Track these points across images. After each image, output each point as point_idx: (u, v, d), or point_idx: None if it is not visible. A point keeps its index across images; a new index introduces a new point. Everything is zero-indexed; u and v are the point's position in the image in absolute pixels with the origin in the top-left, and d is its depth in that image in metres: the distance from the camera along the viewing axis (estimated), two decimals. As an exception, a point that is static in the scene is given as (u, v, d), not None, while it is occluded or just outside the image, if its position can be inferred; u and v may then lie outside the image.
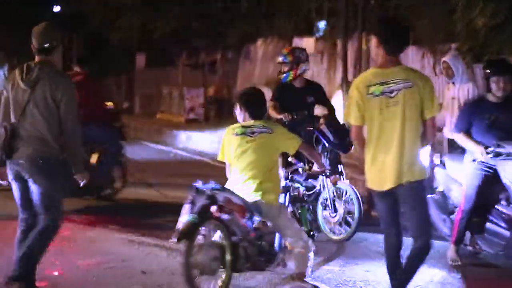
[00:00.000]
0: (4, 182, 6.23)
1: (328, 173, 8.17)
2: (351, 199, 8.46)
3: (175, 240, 5.87)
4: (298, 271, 6.42)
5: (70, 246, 7.98)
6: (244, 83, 21.35)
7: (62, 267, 7.10)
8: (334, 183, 8.51)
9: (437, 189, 8.17)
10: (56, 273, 6.95)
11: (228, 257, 6.12)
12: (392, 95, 5.51)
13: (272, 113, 8.69)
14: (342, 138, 8.49)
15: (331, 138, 8.48)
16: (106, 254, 7.69)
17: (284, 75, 8.86)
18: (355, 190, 8.50)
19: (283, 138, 6.63)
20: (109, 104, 10.64)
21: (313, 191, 8.53)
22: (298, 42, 19.64)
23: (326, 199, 8.55)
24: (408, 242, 5.80)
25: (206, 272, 6.04)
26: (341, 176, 8.71)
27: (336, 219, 8.52)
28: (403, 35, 5.78)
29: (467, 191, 7.51)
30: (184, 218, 5.94)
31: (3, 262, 6.71)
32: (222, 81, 24.28)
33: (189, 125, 22.49)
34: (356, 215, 8.36)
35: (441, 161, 8.23)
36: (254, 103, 6.65)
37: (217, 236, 6.21)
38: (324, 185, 8.54)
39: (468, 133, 7.45)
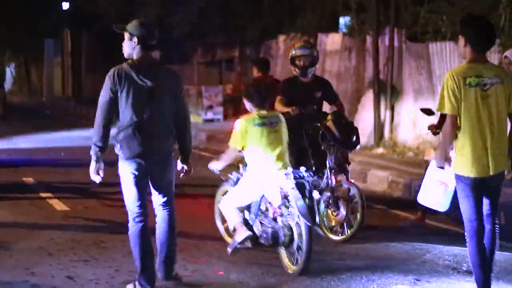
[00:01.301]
0: (98, 179, 6.30)
1: (333, 171, 8.36)
2: (355, 200, 8.28)
3: None
4: None
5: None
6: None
7: None
8: (338, 182, 8.40)
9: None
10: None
11: None
12: (485, 88, 5.86)
13: (279, 107, 8.61)
14: (348, 136, 8.44)
15: (337, 135, 8.36)
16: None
17: (310, 69, 8.84)
18: (360, 190, 8.31)
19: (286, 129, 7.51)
20: None
21: (319, 188, 8.34)
22: (323, 38, 18.75)
23: (330, 197, 8.39)
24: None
25: None
26: (347, 175, 8.58)
27: (338, 218, 8.39)
28: (491, 33, 6.07)
29: None
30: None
31: None
32: (240, 78, 23.36)
33: (208, 125, 21.66)
34: (359, 216, 8.18)
35: None
36: (257, 93, 7.29)
37: None
38: (328, 183, 8.41)
39: None
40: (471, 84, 5.83)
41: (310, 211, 6.94)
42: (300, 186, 7.06)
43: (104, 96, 6.20)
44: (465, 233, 6.04)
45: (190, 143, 6.58)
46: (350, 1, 17.24)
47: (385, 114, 15.91)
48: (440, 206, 6.57)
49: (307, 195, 7.04)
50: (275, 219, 7.28)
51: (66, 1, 35.94)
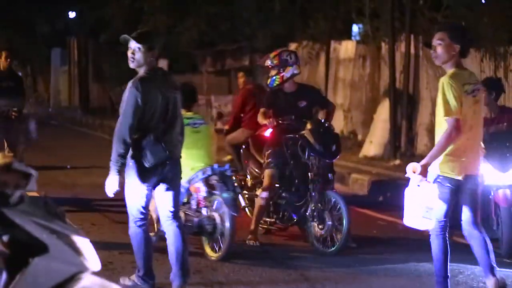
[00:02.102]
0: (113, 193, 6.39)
1: (315, 183, 8.24)
2: (340, 210, 8.08)
3: None
4: None
5: None
6: (275, 89, 20.00)
7: None
8: (321, 194, 8.22)
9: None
10: None
11: None
12: (474, 93, 6.11)
13: (260, 119, 8.55)
14: (328, 145, 8.23)
15: (315, 145, 8.17)
16: None
17: (271, 79, 8.67)
18: (344, 200, 8.14)
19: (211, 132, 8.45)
20: None
21: (302, 201, 8.36)
22: (336, 45, 18.28)
23: (314, 210, 8.24)
24: None
25: None
26: (330, 186, 8.45)
27: (323, 231, 8.20)
28: (471, 39, 6.49)
29: None
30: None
31: None
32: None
33: (218, 135, 21.12)
34: (345, 227, 7.99)
35: None
36: (185, 96, 7.34)
37: None
38: (311, 196, 8.30)
39: None
40: (467, 91, 6.02)
41: (233, 202, 7.77)
42: (224, 180, 7.82)
43: (131, 106, 6.28)
44: (434, 231, 6.17)
45: None
46: (364, 8, 16.78)
47: (401, 124, 15.40)
48: (427, 225, 6.27)
49: (231, 188, 7.82)
50: (199, 210, 7.97)
51: (73, 11, 35.55)
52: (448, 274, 6.27)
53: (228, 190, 7.78)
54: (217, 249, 7.92)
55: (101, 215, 10.30)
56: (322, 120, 8.60)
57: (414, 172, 5.97)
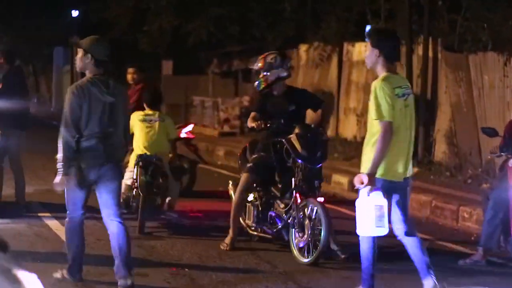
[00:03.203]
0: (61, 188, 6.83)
1: (299, 190, 8.09)
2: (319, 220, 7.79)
3: None
4: None
5: None
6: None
7: None
8: (303, 201, 7.98)
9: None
10: None
11: None
12: (405, 98, 6.23)
13: (249, 122, 8.52)
14: (313, 151, 8.09)
15: (299, 150, 8.03)
16: None
17: (257, 82, 8.62)
18: (325, 209, 7.83)
19: (171, 127, 10.07)
20: None
21: (288, 207, 8.25)
22: (349, 47, 17.66)
23: (294, 217, 8.07)
24: None
25: None
26: (315, 193, 8.12)
27: (302, 240, 7.97)
28: (399, 44, 6.63)
29: None
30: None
31: None
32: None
33: (224, 139, 20.52)
34: (323, 237, 7.68)
35: None
36: (150, 97, 10.03)
37: None
38: (293, 202, 8.13)
39: None
40: (399, 94, 6.15)
41: (146, 185, 9.30)
42: (146, 166, 9.37)
43: (69, 111, 6.65)
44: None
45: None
46: (379, 9, 16.16)
47: (418, 130, 14.75)
48: (381, 232, 6.21)
49: (149, 173, 9.32)
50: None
51: (76, 10, 34.99)
52: (374, 272, 6.39)
53: (146, 174, 9.32)
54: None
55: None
56: (312, 125, 8.40)
57: (362, 184, 6.05)
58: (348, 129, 17.60)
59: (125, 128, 6.99)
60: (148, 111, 9.88)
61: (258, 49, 21.83)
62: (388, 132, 6.07)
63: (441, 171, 13.63)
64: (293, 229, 8.08)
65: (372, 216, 6.07)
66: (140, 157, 9.43)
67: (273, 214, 8.52)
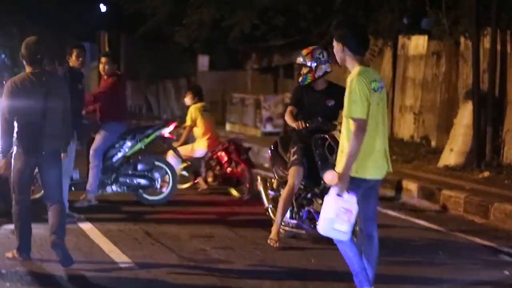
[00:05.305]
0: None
1: None
2: None
3: None
4: None
5: None
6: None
7: None
8: None
9: None
10: None
11: None
12: (379, 91, 6.07)
13: (288, 119, 8.58)
14: None
15: None
16: None
17: (303, 77, 8.59)
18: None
19: None
20: None
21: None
22: (405, 41, 16.50)
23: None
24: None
25: None
26: None
27: None
28: (368, 38, 6.36)
29: None
30: None
31: None
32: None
33: (268, 139, 19.37)
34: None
35: None
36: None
37: None
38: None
39: None
40: (375, 88, 6.00)
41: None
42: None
43: (6, 103, 7.51)
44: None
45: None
46: (440, -1, 15.04)
47: (485, 130, 13.58)
48: (346, 235, 6.06)
49: None
50: None
51: (105, 4, 34.12)
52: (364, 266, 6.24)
53: None
54: None
55: (151, 239, 8.85)
56: None
57: (333, 182, 5.95)
58: (405, 129, 16.44)
59: (66, 120, 7.70)
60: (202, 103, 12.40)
61: (302, 43, 20.72)
62: (362, 130, 5.93)
63: (513, 175, 12.49)
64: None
65: (332, 216, 5.95)
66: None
67: (312, 211, 8.56)
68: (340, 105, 8.27)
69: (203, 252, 8.33)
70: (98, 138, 10.85)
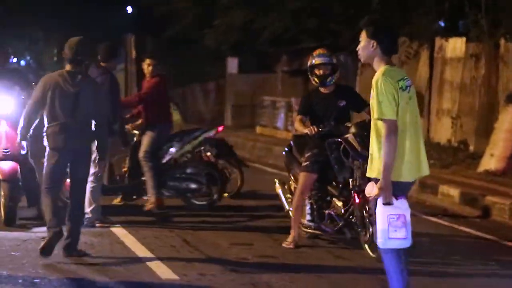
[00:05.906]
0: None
1: (356, 189, 8.06)
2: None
3: None
4: None
5: None
6: (364, 90, 17.78)
7: None
8: (361, 202, 7.95)
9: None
10: None
11: None
12: (408, 90, 5.84)
13: (298, 127, 8.61)
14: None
15: (359, 149, 7.95)
16: None
17: (330, 77, 8.51)
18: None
19: None
20: None
21: (347, 206, 8.29)
22: (443, 43, 16.12)
23: (357, 218, 8.11)
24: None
25: None
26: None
27: (366, 237, 7.97)
28: (398, 37, 6.26)
29: None
30: None
31: None
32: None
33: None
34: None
35: None
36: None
37: None
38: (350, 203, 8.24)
39: None
40: (403, 87, 5.81)
41: None
42: None
43: (33, 96, 7.87)
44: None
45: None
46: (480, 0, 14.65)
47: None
48: (405, 241, 5.79)
49: None
50: None
51: (133, 6, 34.02)
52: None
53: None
54: None
55: (200, 255, 8.42)
56: (366, 121, 8.03)
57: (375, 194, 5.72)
58: (442, 133, 16.03)
59: (99, 119, 7.86)
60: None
61: (333, 45, 20.38)
62: (393, 131, 5.69)
63: None
64: (358, 228, 8.12)
65: (385, 227, 5.70)
66: None
67: (332, 213, 8.55)
68: (351, 105, 8.72)
69: (245, 260, 8.02)
70: (146, 140, 10.50)
